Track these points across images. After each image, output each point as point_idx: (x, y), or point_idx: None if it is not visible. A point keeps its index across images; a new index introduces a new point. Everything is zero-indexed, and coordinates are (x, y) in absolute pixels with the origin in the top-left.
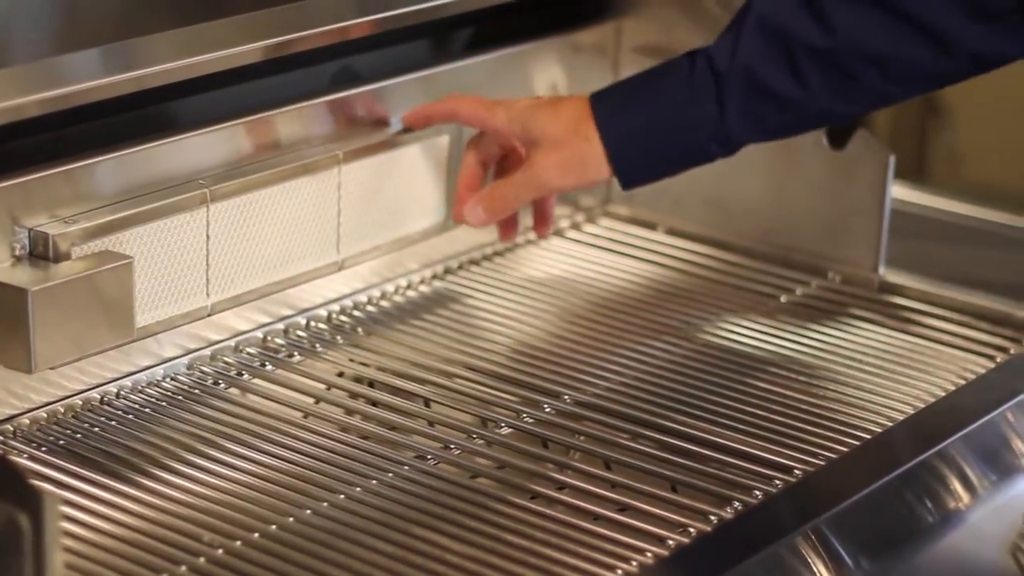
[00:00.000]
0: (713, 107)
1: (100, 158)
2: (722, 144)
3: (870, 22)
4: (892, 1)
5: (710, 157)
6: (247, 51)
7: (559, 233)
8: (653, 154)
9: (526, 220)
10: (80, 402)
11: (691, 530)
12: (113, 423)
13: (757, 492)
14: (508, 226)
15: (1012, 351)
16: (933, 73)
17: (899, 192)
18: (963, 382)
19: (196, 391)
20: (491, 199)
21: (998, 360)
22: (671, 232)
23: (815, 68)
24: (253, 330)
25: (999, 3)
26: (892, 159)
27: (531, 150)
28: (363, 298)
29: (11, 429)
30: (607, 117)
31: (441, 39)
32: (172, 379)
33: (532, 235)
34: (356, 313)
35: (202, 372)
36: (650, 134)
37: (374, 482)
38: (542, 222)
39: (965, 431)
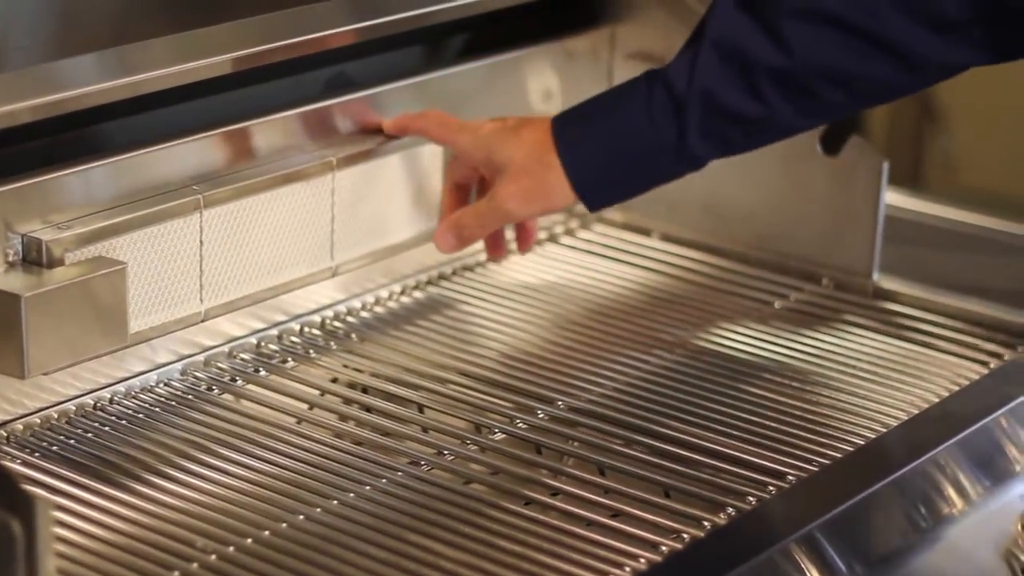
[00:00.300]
0: (673, 132)
1: (94, 164)
2: (687, 163)
3: (828, 43)
4: (848, 20)
5: (675, 175)
6: (240, 57)
7: (553, 239)
8: (616, 179)
9: (512, 230)
10: (74, 408)
11: (684, 536)
12: (107, 429)
13: (751, 498)
14: (495, 244)
15: (1006, 357)
16: (898, 86)
17: (894, 198)
18: (957, 388)
19: (190, 397)
20: (457, 227)
21: (992, 366)
22: (665, 238)
23: (775, 88)
24: (247, 336)
25: (956, 14)
26: (886, 165)
27: (495, 177)
28: (357, 304)
29: (4, 435)
30: (568, 145)
31: (435, 45)
32: (166, 385)
33: None
34: (350, 319)
35: (196, 378)
36: (612, 161)
37: (368, 488)
38: (523, 239)
39: (959, 437)
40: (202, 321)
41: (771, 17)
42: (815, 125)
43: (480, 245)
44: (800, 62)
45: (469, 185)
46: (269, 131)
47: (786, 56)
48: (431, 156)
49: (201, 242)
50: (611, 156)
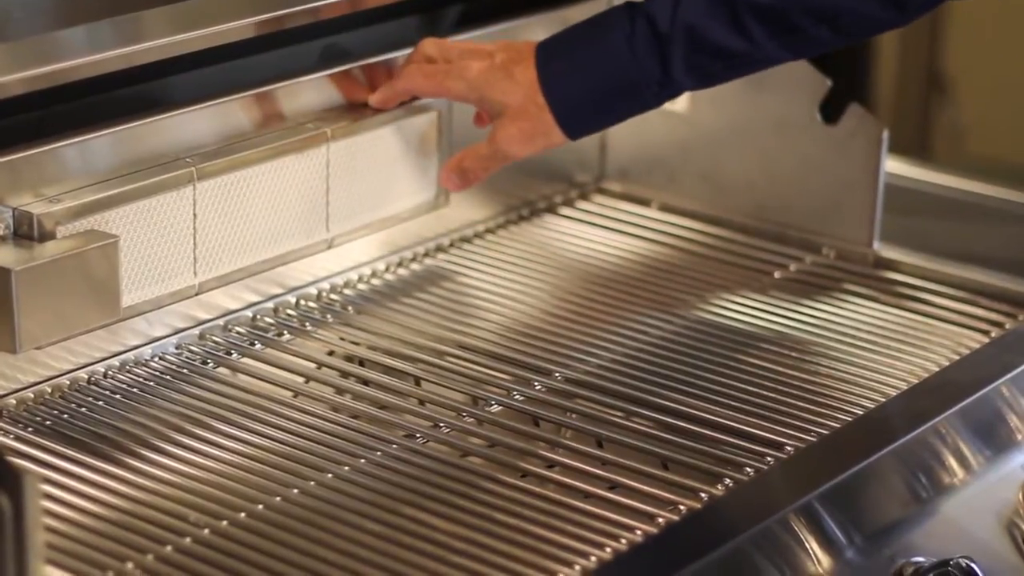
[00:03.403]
0: (656, 66)
1: (86, 137)
2: (668, 95)
3: None
4: None
5: (656, 106)
6: (235, 28)
7: (552, 210)
8: (599, 112)
9: (512, 201)
10: (67, 382)
11: (682, 507)
12: (100, 403)
13: (749, 469)
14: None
15: (1007, 326)
16: (883, 20)
17: (898, 167)
18: (958, 357)
19: (184, 371)
20: (461, 171)
21: (993, 335)
22: (665, 208)
23: (760, 24)
24: (242, 309)
25: None
26: (886, 134)
27: (493, 119)
28: (353, 276)
29: None
30: (552, 82)
31: (431, 15)
32: (160, 359)
33: (524, 212)
34: (346, 292)
35: (191, 351)
36: (594, 95)
37: (363, 461)
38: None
39: (960, 406)
40: (196, 294)
41: None
42: (799, 58)
43: (479, 216)
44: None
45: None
46: (263, 103)
47: None
48: (427, 126)
49: (195, 215)
50: (594, 90)
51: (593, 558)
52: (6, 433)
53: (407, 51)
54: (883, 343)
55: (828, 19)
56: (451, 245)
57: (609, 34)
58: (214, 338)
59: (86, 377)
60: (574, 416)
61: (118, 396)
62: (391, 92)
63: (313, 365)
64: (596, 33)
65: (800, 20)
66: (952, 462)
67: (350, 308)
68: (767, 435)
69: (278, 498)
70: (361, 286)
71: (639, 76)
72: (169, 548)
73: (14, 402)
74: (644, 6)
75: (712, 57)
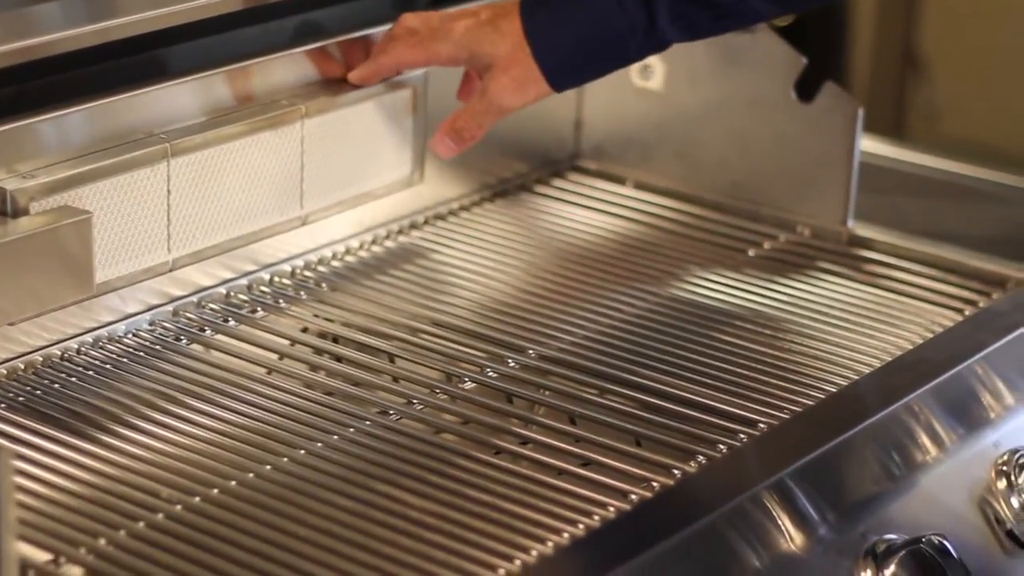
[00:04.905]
0: (643, 16)
1: (59, 112)
2: (654, 46)
3: None
4: None
5: (642, 58)
6: (211, 4)
7: (526, 187)
8: (585, 64)
9: (487, 179)
10: (40, 358)
11: (654, 484)
12: (73, 379)
13: (721, 446)
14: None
15: (981, 304)
16: None
17: (873, 146)
18: (931, 335)
19: (158, 347)
20: (455, 131)
21: (967, 313)
22: (639, 186)
23: None
24: (216, 286)
25: None
26: (861, 112)
27: (484, 74)
28: (327, 253)
29: None
30: (537, 33)
31: None
32: (134, 335)
33: (499, 189)
34: (320, 268)
35: (164, 328)
36: (580, 46)
37: (335, 437)
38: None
39: (933, 384)
40: (170, 271)
41: None
42: (784, 13)
43: (454, 193)
44: None
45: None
46: (238, 79)
47: None
48: (402, 103)
49: (169, 191)
50: (580, 42)
51: (566, 535)
52: None
53: (382, 28)
54: (856, 321)
55: None
56: (425, 222)
57: None
58: (187, 315)
59: (59, 353)
60: (547, 393)
61: (91, 372)
62: (375, 68)
63: (287, 342)
64: None
65: None
66: (925, 440)
67: (324, 285)
68: (740, 412)
69: (251, 474)
70: (335, 263)
71: (624, 26)
72: (142, 524)
73: None
74: None
75: (697, 6)
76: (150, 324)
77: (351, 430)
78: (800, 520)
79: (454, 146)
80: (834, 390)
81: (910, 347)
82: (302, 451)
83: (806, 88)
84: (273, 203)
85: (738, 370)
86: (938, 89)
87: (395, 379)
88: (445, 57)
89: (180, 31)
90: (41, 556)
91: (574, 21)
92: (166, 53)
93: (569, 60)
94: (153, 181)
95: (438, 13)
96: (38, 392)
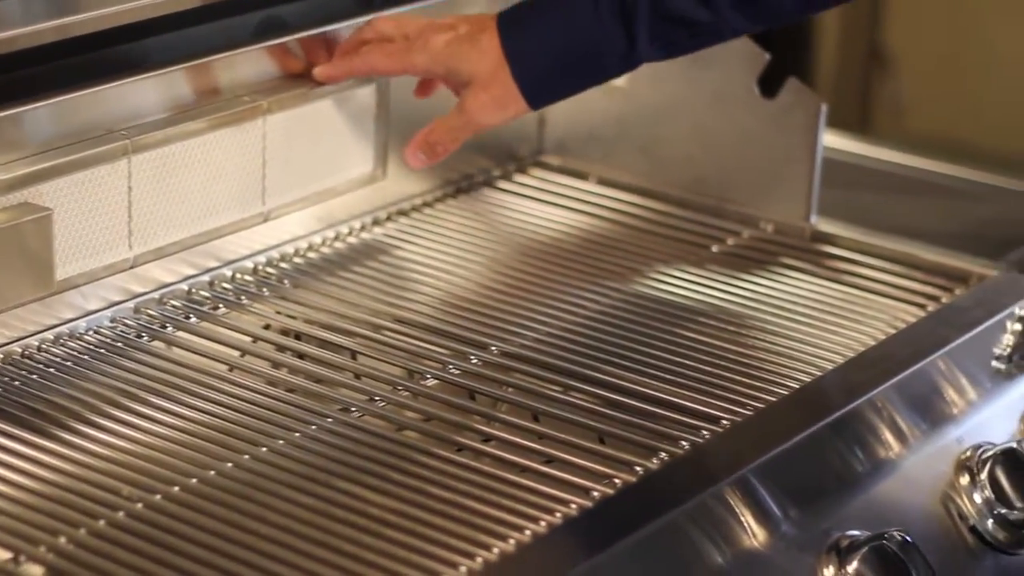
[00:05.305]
0: (622, 37)
1: (20, 109)
2: (631, 65)
3: None
4: None
5: (618, 75)
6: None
7: (490, 183)
8: (563, 84)
9: (450, 175)
10: (1, 356)
11: (617, 481)
12: (34, 377)
13: (684, 443)
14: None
15: (944, 300)
16: None
17: (838, 142)
18: (894, 331)
19: (119, 344)
20: (429, 145)
21: (930, 309)
22: (603, 182)
23: None
24: (178, 282)
25: None
26: (823, 108)
27: (461, 90)
28: (290, 249)
29: None
30: (517, 52)
31: None
32: (95, 332)
33: (462, 185)
34: (283, 265)
35: (126, 325)
36: (559, 67)
37: (297, 435)
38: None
39: (896, 379)
40: (132, 267)
41: None
42: (762, 29)
43: (417, 189)
44: None
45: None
46: (200, 75)
47: None
48: (365, 99)
49: (130, 188)
50: (559, 60)
51: (528, 532)
52: None
53: (346, 24)
54: (820, 317)
55: None
56: (388, 218)
57: (574, 4)
58: (149, 311)
59: (20, 351)
60: (510, 390)
61: (52, 370)
62: (346, 69)
63: (249, 339)
64: (560, 2)
65: None
66: (888, 435)
67: (286, 281)
68: (703, 409)
69: (212, 472)
70: (298, 259)
71: (604, 46)
72: (103, 522)
73: None
74: None
75: (676, 26)
76: (111, 321)
77: (313, 427)
78: (763, 516)
79: (426, 160)
80: (797, 386)
81: (873, 343)
82: (264, 448)
83: (769, 84)
84: (235, 199)
85: (701, 366)
86: (903, 85)
87: (357, 376)
88: (421, 70)
89: (141, 27)
90: (1, 554)
91: (553, 39)
92: (127, 49)
93: (548, 79)
94: (114, 178)
95: (413, 21)
96: None
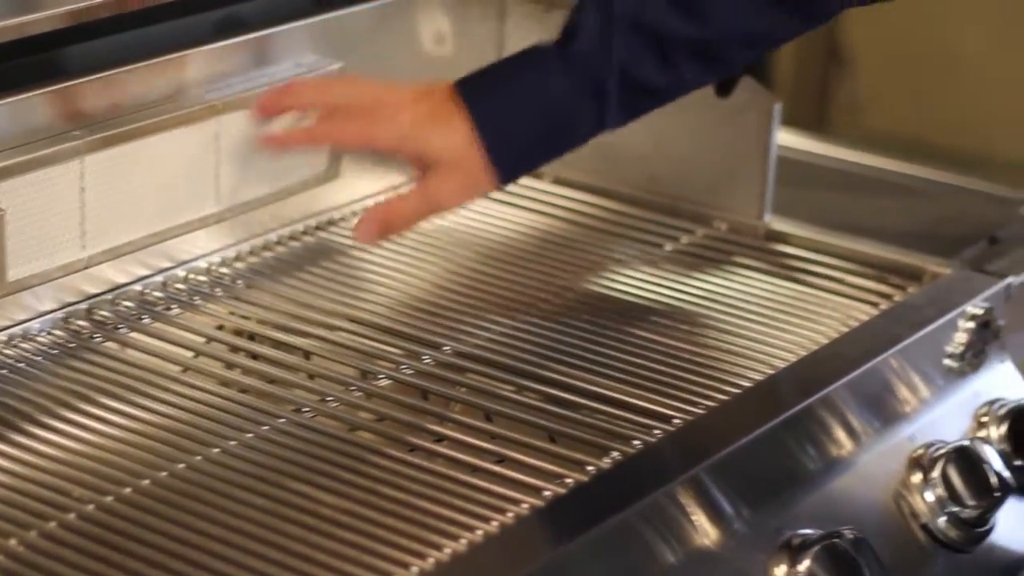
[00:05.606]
0: (594, 111)
1: None
2: (599, 133)
3: (745, 9)
4: None
5: (583, 143)
6: None
7: None
8: (534, 158)
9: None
10: None
11: (568, 481)
12: None
13: (636, 442)
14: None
15: (897, 298)
16: (798, 35)
17: (795, 141)
18: (847, 329)
19: (72, 345)
20: (385, 222)
21: (882, 307)
22: (557, 181)
23: (690, 58)
24: (131, 283)
25: None
26: (777, 107)
27: (428, 170)
28: (244, 249)
29: None
30: (490, 132)
31: None
32: (48, 333)
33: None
34: (236, 265)
35: (79, 326)
36: (533, 143)
37: (249, 435)
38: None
39: (848, 378)
40: (85, 268)
41: None
42: (717, 80)
43: (371, 189)
44: (715, 31)
45: None
46: (154, 74)
47: (703, 27)
48: None
49: (83, 188)
50: (533, 137)
51: (480, 532)
52: None
53: (301, 22)
54: (773, 315)
55: (754, 45)
56: (342, 219)
57: (546, 79)
58: (103, 312)
59: None
60: (463, 390)
61: (5, 371)
62: (305, 139)
63: (202, 339)
64: (530, 80)
65: (728, 50)
66: (841, 434)
67: (240, 282)
68: (656, 408)
69: (164, 473)
70: (252, 259)
71: (577, 121)
72: (53, 524)
73: None
74: (576, 51)
75: (643, 95)
76: (64, 322)
77: (265, 428)
78: (715, 515)
79: (377, 237)
80: (750, 385)
81: (826, 341)
82: (216, 449)
83: (723, 83)
84: (189, 199)
85: (654, 365)
86: (861, 84)
87: (310, 376)
88: (387, 145)
89: (93, 26)
90: None
91: (527, 120)
92: (80, 49)
93: (521, 158)
94: (67, 178)
95: (369, 89)
96: None
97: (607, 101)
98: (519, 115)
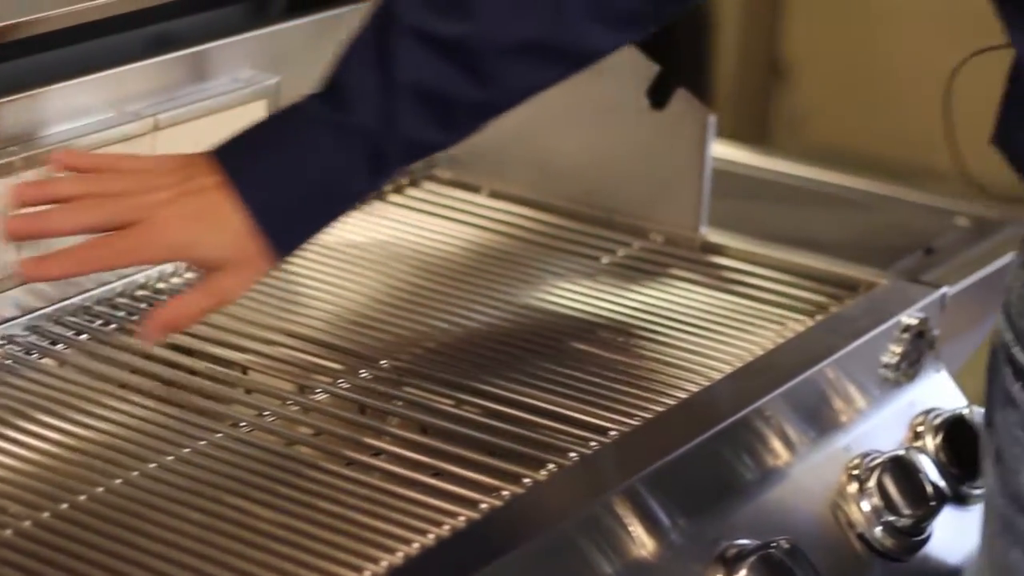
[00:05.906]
0: (372, 178)
1: None
2: (372, 191)
3: (530, 71)
4: (550, 44)
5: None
6: (62, 15)
7: (381, 197)
8: (315, 231)
9: None
10: None
11: (504, 493)
12: None
13: (573, 454)
14: None
15: (832, 308)
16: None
17: (733, 153)
18: (783, 340)
19: (9, 361)
20: (171, 323)
21: (818, 318)
22: (494, 195)
23: (472, 118)
24: (69, 299)
25: (630, 9)
26: (712, 119)
27: (208, 272)
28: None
29: None
30: (271, 223)
31: (260, 2)
32: None
33: None
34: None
35: (16, 342)
36: (314, 220)
37: (186, 451)
38: None
39: (784, 388)
40: (23, 284)
41: (472, 60)
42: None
43: None
44: (499, 92)
45: None
46: (90, 91)
47: (488, 91)
48: (255, 113)
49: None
50: (310, 216)
51: (415, 544)
52: None
53: (236, 38)
54: (709, 327)
55: (532, 92)
56: None
57: (321, 156)
58: (41, 329)
59: None
60: (400, 404)
61: None
62: (70, 266)
63: (140, 356)
64: (306, 157)
65: (510, 106)
66: (777, 444)
67: None
68: (592, 420)
69: (101, 488)
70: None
71: (355, 189)
72: None
73: None
74: (356, 120)
75: (422, 154)
76: (2, 338)
77: (203, 443)
78: (652, 526)
79: (162, 335)
80: (686, 396)
81: (762, 352)
82: (153, 464)
83: (658, 96)
84: None
85: (590, 377)
86: (802, 96)
87: (248, 391)
88: (162, 258)
89: (29, 43)
90: None
91: (300, 190)
92: (15, 65)
93: (299, 232)
94: (4, 194)
95: (129, 182)
96: None
97: (386, 164)
98: (293, 194)
